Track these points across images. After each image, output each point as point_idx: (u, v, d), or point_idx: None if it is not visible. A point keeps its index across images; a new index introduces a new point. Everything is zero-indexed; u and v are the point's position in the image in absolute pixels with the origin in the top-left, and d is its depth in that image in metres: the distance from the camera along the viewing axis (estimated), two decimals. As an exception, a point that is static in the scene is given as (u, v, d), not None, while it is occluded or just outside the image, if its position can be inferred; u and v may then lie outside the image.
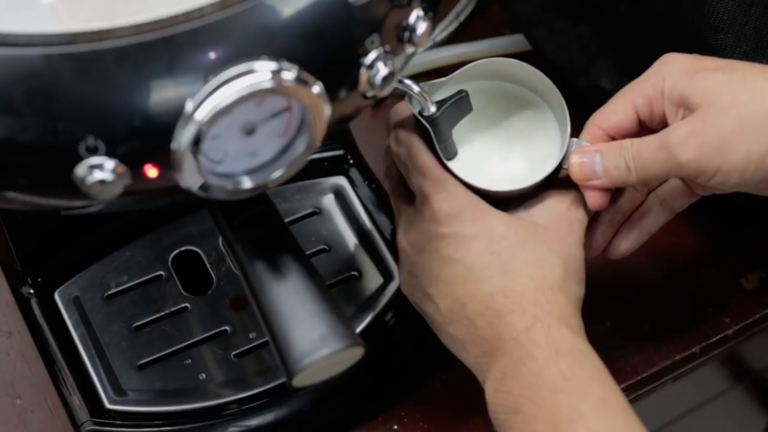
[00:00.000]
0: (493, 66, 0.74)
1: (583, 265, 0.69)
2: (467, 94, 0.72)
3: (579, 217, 0.70)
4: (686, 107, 0.68)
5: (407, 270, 0.71)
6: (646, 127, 0.71)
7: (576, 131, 0.73)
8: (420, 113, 0.71)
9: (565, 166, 0.72)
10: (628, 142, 0.69)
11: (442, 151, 0.71)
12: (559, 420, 0.63)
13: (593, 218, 0.73)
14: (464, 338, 0.68)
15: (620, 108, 0.71)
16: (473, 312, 0.67)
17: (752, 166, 0.66)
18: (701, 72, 0.68)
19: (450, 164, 0.71)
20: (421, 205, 0.70)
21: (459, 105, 0.72)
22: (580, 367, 0.64)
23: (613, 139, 0.71)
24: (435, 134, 0.71)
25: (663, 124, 0.70)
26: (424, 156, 0.70)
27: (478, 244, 0.67)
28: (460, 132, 0.73)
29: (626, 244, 0.74)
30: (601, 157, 0.70)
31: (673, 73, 0.69)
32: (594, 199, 0.71)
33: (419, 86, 0.70)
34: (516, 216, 0.70)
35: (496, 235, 0.68)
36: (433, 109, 0.71)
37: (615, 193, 0.72)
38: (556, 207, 0.70)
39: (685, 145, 0.67)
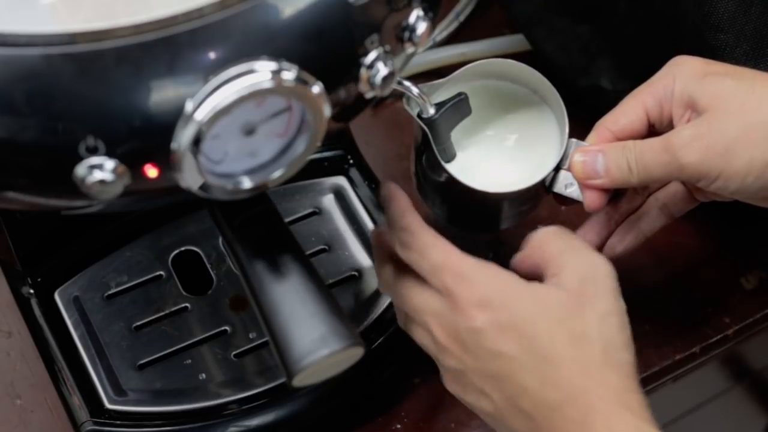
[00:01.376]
0: (491, 66, 0.74)
1: (626, 321, 0.65)
2: (466, 97, 0.72)
3: (606, 271, 0.65)
4: (694, 109, 0.68)
5: (453, 367, 0.66)
6: (654, 131, 0.71)
7: (576, 131, 0.73)
8: (419, 115, 0.71)
9: (563, 167, 0.72)
10: (631, 143, 0.69)
11: (440, 153, 0.71)
12: None
13: (588, 216, 0.73)
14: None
15: (630, 110, 0.71)
16: (528, 406, 0.62)
17: (754, 173, 0.66)
18: (711, 76, 0.68)
19: (448, 166, 0.71)
20: (448, 300, 0.65)
21: (458, 107, 0.72)
22: None
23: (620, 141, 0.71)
24: (433, 136, 0.71)
25: (671, 128, 0.70)
26: (439, 252, 0.65)
27: (514, 333, 0.63)
28: (458, 132, 0.73)
29: (621, 245, 0.74)
30: (603, 156, 0.70)
31: (684, 74, 0.69)
32: (592, 199, 0.70)
33: (418, 88, 0.70)
34: (546, 287, 0.65)
35: (529, 319, 0.63)
36: (432, 111, 0.71)
37: (615, 194, 0.72)
38: (579, 267, 0.65)
39: (689, 147, 0.67)
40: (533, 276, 0.65)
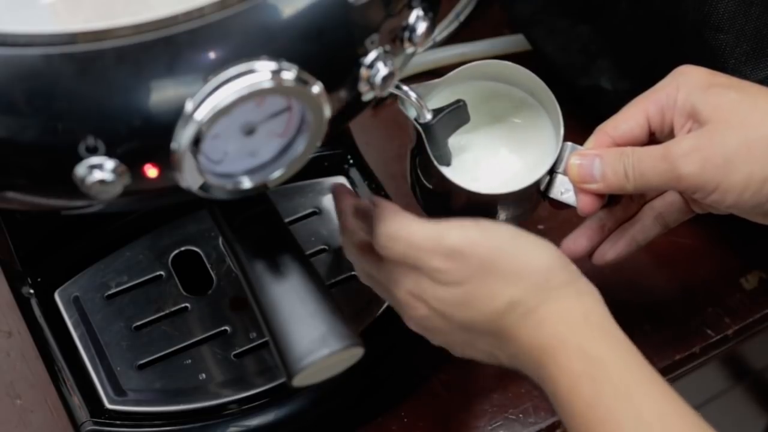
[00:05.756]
0: (487, 68, 0.74)
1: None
2: (465, 104, 0.72)
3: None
4: (695, 120, 0.68)
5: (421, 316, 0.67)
6: (655, 140, 0.71)
7: (576, 131, 0.73)
8: (416, 119, 0.71)
9: (558, 170, 0.72)
10: (629, 149, 0.69)
11: (437, 159, 0.71)
12: None
13: (581, 221, 0.73)
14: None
15: (631, 116, 0.71)
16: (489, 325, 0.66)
17: (752, 188, 0.66)
18: (716, 87, 0.68)
19: (442, 168, 0.71)
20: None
21: (456, 114, 0.72)
22: None
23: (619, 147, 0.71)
24: (430, 141, 0.70)
25: (671, 138, 0.70)
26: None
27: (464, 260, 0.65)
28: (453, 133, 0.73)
29: (613, 252, 0.74)
30: (600, 161, 0.69)
31: (688, 84, 0.69)
32: (585, 203, 0.70)
33: (416, 92, 0.70)
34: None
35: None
36: (429, 116, 0.70)
37: (609, 200, 0.72)
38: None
39: (688, 158, 0.66)
40: None
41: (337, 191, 0.73)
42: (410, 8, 0.59)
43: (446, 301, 0.65)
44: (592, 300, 0.64)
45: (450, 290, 0.64)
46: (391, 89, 0.62)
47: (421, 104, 0.70)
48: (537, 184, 0.72)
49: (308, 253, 0.79)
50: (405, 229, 0.65)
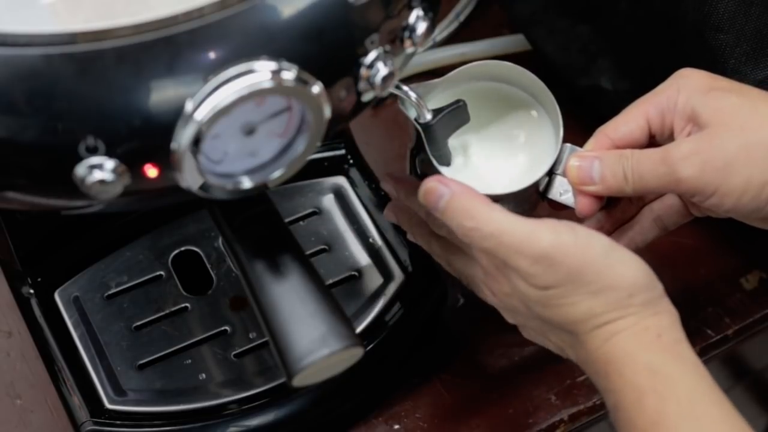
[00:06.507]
0: (487, 68, 0.74)
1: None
2: (465, 104, 0.72)
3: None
4: (695, 123, 0.68)
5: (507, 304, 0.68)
6: (655, 143, 0.71)
7: (576, 131, 0.73)
8: (416, 119, 0.71)
9: (557, 171, 0.72)
10: (628, 151, 0.69)
11: (436, 159, 0.71)
12: None
13: (579, 221, 0.73)
14: None
15: (632, 118, 0.70)
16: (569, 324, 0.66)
17: (751, 192, 0.66)
18: (716, 91, 0.68)
19: (442, 168, 0.71)
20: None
21: (456, 114, 0.72)
22: None
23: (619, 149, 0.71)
24: (430, 141, 0.70)
25: (671, 141, 0.69)
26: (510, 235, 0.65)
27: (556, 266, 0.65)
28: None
29: None
30: (599, 163, 0.69)
31: (689, 87, 0.69)
32: (584, 205, 0.70)
33: (416, 92, 0.70)
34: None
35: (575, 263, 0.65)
36: (429, 116, 0.70)
37: (608, 202, 0.72)
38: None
39: (687, 161, 0.66)
40: None
41: (395, 179, 0.73)
42: (410, 8, 0.59)
43: (527, 296, 0.65)
44: (669, 320, 0.64)
45: (532, 290, 0.64)
46: (391, 89, 0.61)
47: (421, 104, 0.70)
48: (536, 185, 0.72)
49: (308, 253, 0.79)
50: (496, 226, 0.64)
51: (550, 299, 0.64)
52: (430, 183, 0.66)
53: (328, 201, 0.84)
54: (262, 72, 0.53)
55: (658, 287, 0.65)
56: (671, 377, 0.62)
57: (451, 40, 0.99)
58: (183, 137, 0.53)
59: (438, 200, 0.66)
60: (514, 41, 0.97)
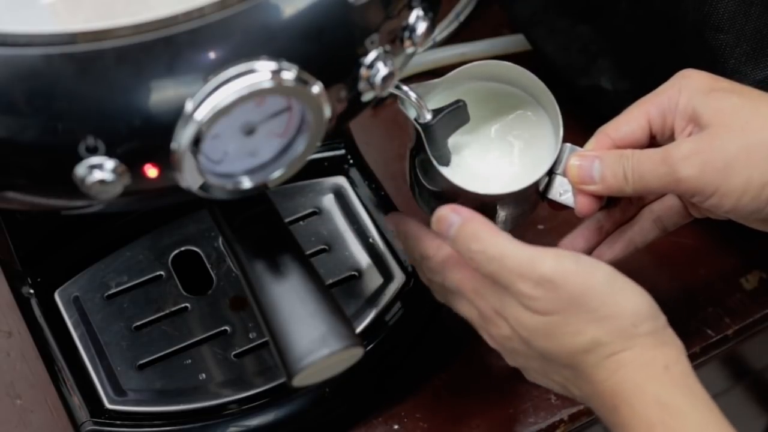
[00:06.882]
0: (487, 68, 0.74)
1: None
2: (465, 104, 0.72)
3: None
4: (696, 123, 0.68)
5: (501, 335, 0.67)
6: (656, 142, 0.71)
7: (576, 131, 0.73)
8: (415, 119, 0.71)
9: (557, 171, 0.72)
10: (629, 151, 0.69)
11: (436, 159, 0.71)
12: None
13: (580, 222, 0.73)
14: None
15: (633, 118, 0.70)
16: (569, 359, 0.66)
17: (750, 193, 0.66)
18: (717, 92, 0.68)
19: (441, 168, 0.71)
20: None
21: (456, 114, 0.72)
22: None
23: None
24: (429, 141, 0.70)
25: (672, 141, 0.69)
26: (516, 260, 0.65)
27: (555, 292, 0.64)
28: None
29: (610, 253, 0.73)
30: (600, 163, 0.69)
31: (690, 87, 0.69)
32: (583, 204, 0.70)
33: (415, 92, 0.70)
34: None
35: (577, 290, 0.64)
36: (429, 116, 0.70)
37: (608, 202, 0.72)
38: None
39: (688, 161, 0.66)
40: None
41: (395, 220, 0.73)
42: (410, 8, 0.59)
43: (529, 327, 0.64)
44: (675, 351, 0.64)
45: (534, 318, 0.64)
46: (391, 89, 0.61)
47: (421, 104, 0.70)
48: (536, 184, 0.72)
49: (308, 253, 0.79)
50: (500, 250, 0.64)
51: (553, 328, 0.64)
52: (442, 211, 0.67)
53: (328, 201, 0.84)
54: (262, 72, 0.53)
55: (662, 318, 0.65)
56: (681, 410, 0.62)
57: (451, 40, 0.99)
58: (183, 137, 0.53)
59: (449, 228, 0.66)
60: (514, 41, 0.97)
